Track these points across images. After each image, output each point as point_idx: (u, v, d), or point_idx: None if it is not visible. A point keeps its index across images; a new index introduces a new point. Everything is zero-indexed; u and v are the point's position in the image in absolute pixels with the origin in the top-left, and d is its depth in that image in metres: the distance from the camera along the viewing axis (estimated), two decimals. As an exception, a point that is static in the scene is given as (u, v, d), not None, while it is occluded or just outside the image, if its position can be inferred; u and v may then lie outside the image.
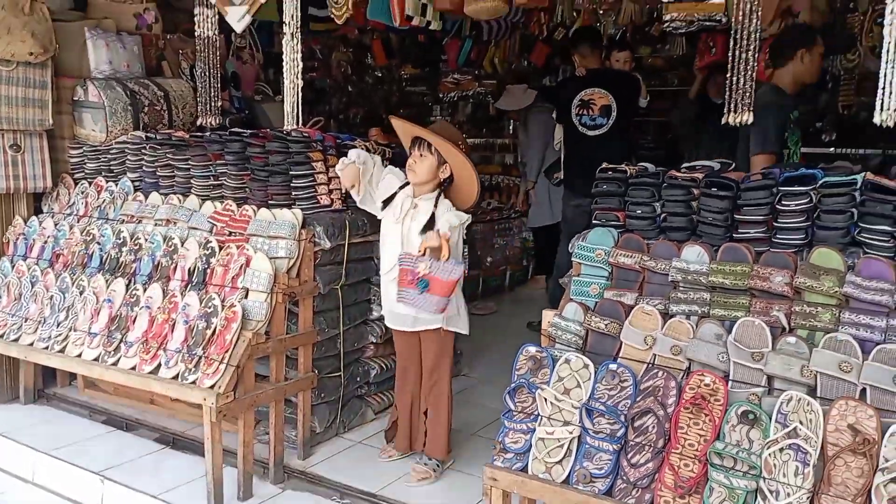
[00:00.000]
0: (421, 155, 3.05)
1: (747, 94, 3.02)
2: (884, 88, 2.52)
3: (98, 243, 3.68)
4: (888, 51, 2.51)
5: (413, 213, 3.07)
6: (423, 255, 2.82)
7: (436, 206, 3.03)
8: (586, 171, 4.87)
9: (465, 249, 5.86)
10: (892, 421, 1.93)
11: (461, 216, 3.04)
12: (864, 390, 2.02)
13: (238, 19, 3.76)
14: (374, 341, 3.77)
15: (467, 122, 8.87)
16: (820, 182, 2.36)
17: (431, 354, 3.18)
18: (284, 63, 3.69)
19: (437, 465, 3.19)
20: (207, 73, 3.98)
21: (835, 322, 2.15)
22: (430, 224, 2.96)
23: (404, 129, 3.20)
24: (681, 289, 2.41)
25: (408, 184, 3.14)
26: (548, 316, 2.59)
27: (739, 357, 2.18)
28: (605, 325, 2.44)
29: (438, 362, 3.19)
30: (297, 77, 3.70)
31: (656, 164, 2.85)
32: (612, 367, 2.32)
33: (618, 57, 5.04)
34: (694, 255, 2.44)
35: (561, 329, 2.51)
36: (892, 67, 2.51)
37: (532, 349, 2.47)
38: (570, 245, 2.77)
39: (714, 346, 2.25)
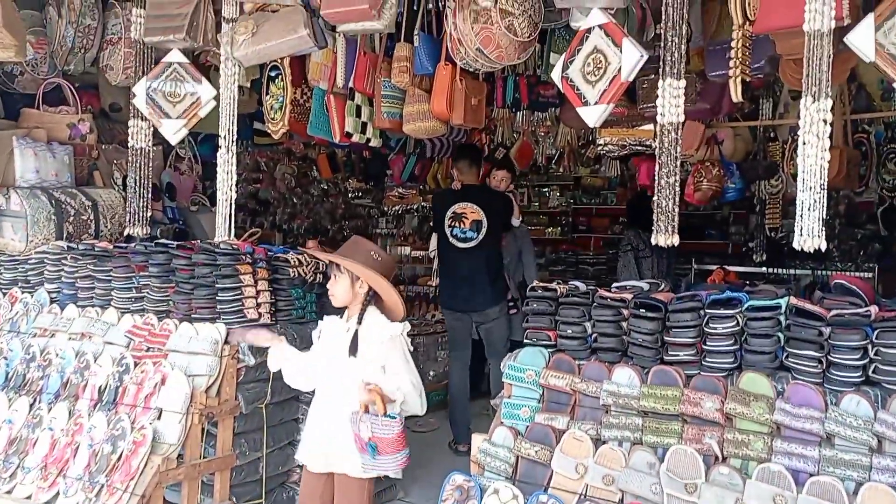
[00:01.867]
0: (335, 276, 2.99)
1: (674, 217, 3.08)
2: (801, 215, 2.59)
3: (5, 358, 3.45)
4: (803, 181, 2.60)
5: (343, 337, 2.94)
6: (366, 412, 2.63)
7: (359, 322, 2.91)
8: (455, 283, 5.02)
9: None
10: (830, 558, 1.85)
11: (395, 327, 2.90)
12: (799, 524, 1.95)
13: (174, 132, 3.74)
14: (301, 464, 3.54)
15: (413, 234, 8.95)
16: (745, 305, 2.37)
17: (346, 500, 2.81)
18: (218, 175, 3.66)
19: None
20: (138, 183, 3.91)
21: (767, 451, 2.09)
22: (353, 343, 2.84)
23: (318, 257, 3.18)
24: (612, 413, 2.34)
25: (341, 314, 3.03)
26: (477, 441, 2.48)
27: (672, 489, 2.09)
28: (536, 451, 2.34)
29: None
30: (230, 189, 3.67)
31: (599, 281, 2.85)
32: (543, 497, 2.20)
33: (495, 174, 5.22)
34: (625, 378, 2.39)
35: (490, 455, 2.40)
36: (809, 196, 2.60)
37: (459, 478, 2.34)
38: (500, 364, 2.70)
39: (647, 476, 2.16)
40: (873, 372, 2.14)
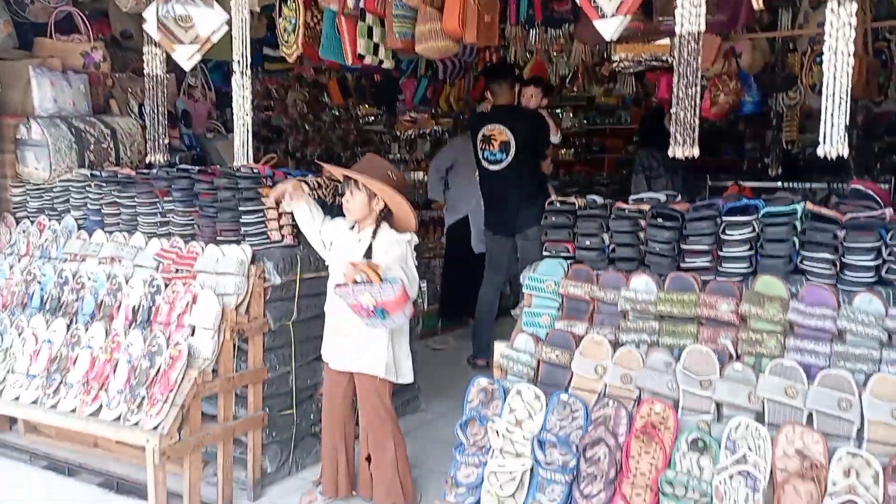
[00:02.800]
0: (351, 192, 3.07)
1: (691, 129, 3.09)
2: (825, 122, 2.60)
3: (39, 283, 3.56)
4: (828, 87, 2.59)
5: (356, 248, 3.07)
6: (357, 284, 2.79)
7: (373, 236, 3.03)
8: (491, 205, 5.04)
9: (424, 284, 5.81)
10: (839, 445, 1.95)
11: (401, 239, 3.02)
12: (810, 415, 2.04)
13: (187, 58, 3.74)
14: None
15: (426, 159, 8.94)
16: (762, 212, 2.41)
17: (368, 405, 3.06)
18: (234, 101, 3.67)
19: None
20: (155, 111, 3.94)
21: (780, 348, 2.17)
22: (368, 251, 2.96)
23: (334, 172, 3.24)
24: (630, 318, 2.42)
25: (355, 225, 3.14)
26: (499, 348, 2.58)
27: (688, 385, 2.19)
28: (556, 355, 2.43)
29: (377, 412, 3.04)
30: (246, 114, 3.69)
31: (612, 199, 2.90)
32: (564, 397, 2.30)
33: (524, 92, 5.13)
34: (642, 285, 2.46)
35: (512, 360, 2.50)
36: (832, 103, 2.60)
37: (483, 381, 2.44)
38: (521, 276, 2.77)
39: (663, 374, 2.25)
40: (886, 272, 2.20)
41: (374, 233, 3.04)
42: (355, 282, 2.79)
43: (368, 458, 3.14)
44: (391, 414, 3.10)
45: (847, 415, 1.97)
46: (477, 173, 5.22)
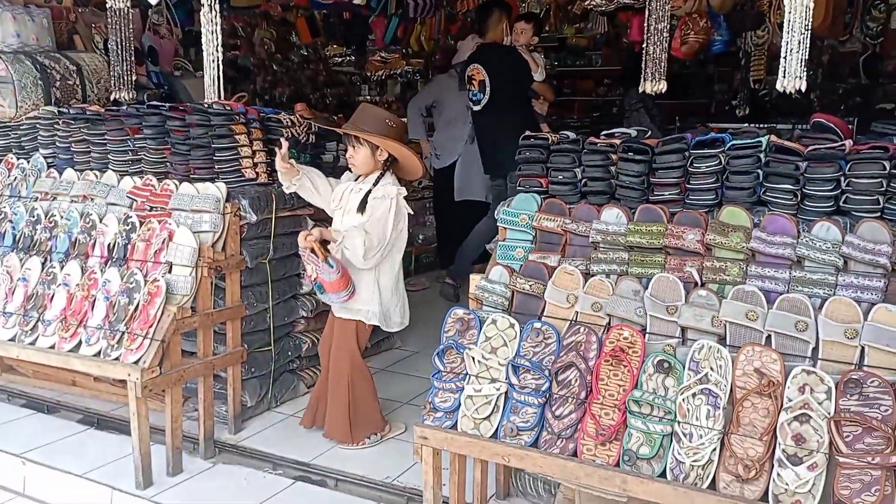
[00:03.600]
0: (354, 147, 3.12)
1: (661, 64, 3.14)
2: (785, 57, 2.67)
3: (10, 221, 3.53)
4: (790, 21, 2.65)
5: (353, 198, 3.13)
6: (310, 253, 3.00)
7: (375, 184, 3.08)
8: (482, 147, 4.97)
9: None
10: (795, 364, 2.07)
11: (389, 190, 3.08)
12: (769, 337, 2.15)
13: (152, -10, 3.66)
14: (305, 315, 3.75)
15: (396, 101, 8.85)
16: (728, 145, 2.48)
17: (336, 341, 3.21)
18: (203, 36, 3.61)
19: (371, 437, 3.24)
20: (120, 47, 3.85)
21: (742, 275, 2.27)
22: (363, 202, 3.05)
23: (337, 131, 3.33)
24: (601, 249, 2.50)
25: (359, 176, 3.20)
26: (475, 280, 2.65)
27: (655, 311, 2.29)
28: (530, 285, 2.51)
29: (340, 350, 3.18)
30: (216, 50, 3.63)
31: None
32: (537, 325, 2.39)
33: (515, 27, 5.00)
34: (613, 217, 2.53)
35: (487, 291, 2.57)
36: (793, 38, 2.65)
37: (460, 311, 2.52)
38: (495, 212, 2.83)
39: (632, 301, 2.34)
40: (844, 202, 2.29)
41: (377, 181, 3.09)
42: (312, 251, 2.98)
43: (323, 385, 3.27)
44: (354, 358, 3.19)
45: (803, 335, 2.09)
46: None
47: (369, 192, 3.09)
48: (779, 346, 2.12)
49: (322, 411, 3.28)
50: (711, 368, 2.10)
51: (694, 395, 2.09)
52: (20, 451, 3.17)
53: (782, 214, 2.31)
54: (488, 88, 4.78)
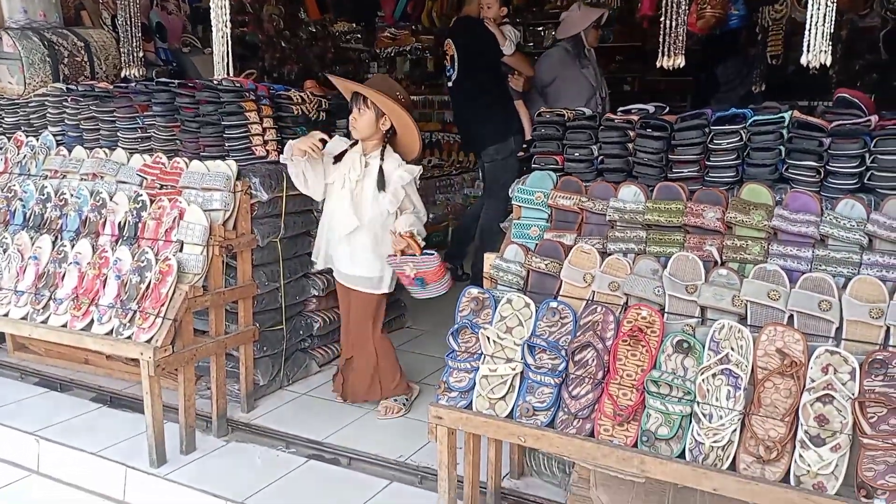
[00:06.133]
0: (359, 110, 3.11)
1: (679, 39, 3.08)
2: (809, 30, 2.60)
3: (20, 200, 3.51)
4: (813, -6, 2.57)
5: (365, 173, 3.13)
6: (403, 254, 3.04)
7: (382, 159, 3.07)
8: (457, 123, 4.89)
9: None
10: (818, 344, 2.03)
11: (412, 170, 3.12)
12: (791, 316, 2.11)
13: (160, -36, 3.60)
14: (317, 294, 3.73)
15: (406, 79, 8.76)
16: (750, 121, 2.42)
17: (355, 313, 3.28)
18: (212, 11, 3.56)
19: (405, 401, 3.34)
20: (129, 23, 3.82)
21: (764, 254, 2.22)
22: (381, 178, 3.07)
23: (342, 85, 3.26)
24: (618, 228, 2.46)
25: (356, 143, 3.16)
26: (489, 259, 2.61)
27: (674, 290, 2.25)
28: (546, 264, 2.47)
29: (363, 318, 3.26)
30: (225, 26, 3.59)
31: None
32: (553, 304, 2.35)
33: (482, 1, 4.75)
34: (630, 195, 2.48)
35: (502, 270, 2.54)
36: (818, 12, 2.59)
37: (474, 291, 2.48)
38: (510, 190, 2.78)
39: (650, 280, 2.30)
40: (869, 179, 2.23)
41: (382, 155, 3.06)
42: (403, 252, 3.03)
43: (349, 361, 3.29)
44: (375, 324, 3.26)
45: (827, 315, 2.04)
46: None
47: (381, 168, 3.07)
48: (801, 326, 2.08)
49: (349, 384, 3.35)
50: (732, 348, 2.07)
51: (714, 375, 2.05)
52: (34, 429, 3.18)
53: (805, 192, 2.25)
54: (457, 64, 4.72)
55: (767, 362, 2.03)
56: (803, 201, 2.23)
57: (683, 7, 3.01)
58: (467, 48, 4.72)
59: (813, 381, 1.97)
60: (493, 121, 4.73)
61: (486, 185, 5.02)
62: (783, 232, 2.22)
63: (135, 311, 2.92)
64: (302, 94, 3.68)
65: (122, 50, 3.89)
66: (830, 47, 2.60)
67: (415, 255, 3.02)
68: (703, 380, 2.06)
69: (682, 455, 2.04)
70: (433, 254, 3.05)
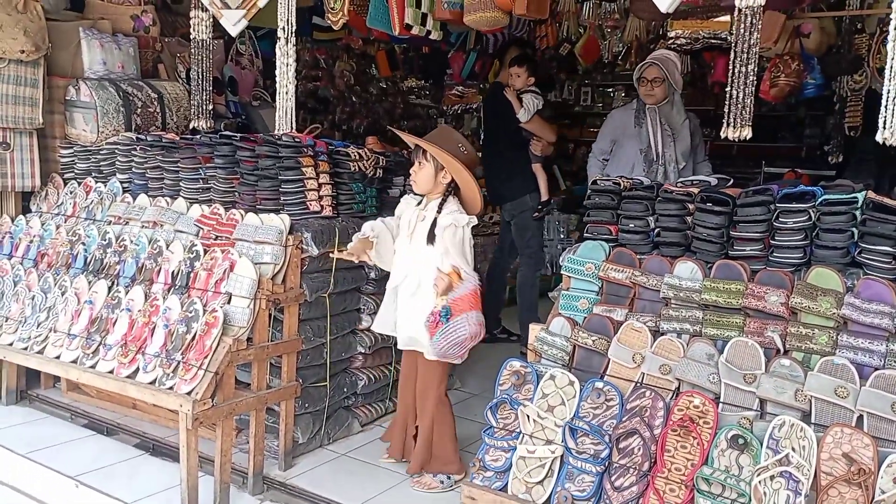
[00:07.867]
0: (419, 163, 3.07)
1: (746, 109, 2.95)
2: (886, 106, 2.45)
3: (83, 244, 3.61)
4: (891, 67, 2.44)
5: (420, 224, 3.07)
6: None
7: (439, 210, 3.00)
8: (485, 177, 5.09)
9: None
10: (890, 451, 1.84)
11: (459, 218, 2.99)
12: (860, 417, 1.93)
13: (234, 23, 3.71)
14: (363, 352, 3.68)
15: (472, 136, 8.82)
16: (819, 200, 2.28)
17: (421, 380, 3.17)
18: (278, 68, 3.63)
19: (444, 480, 3.15)
20: (201, 76, 3.94)
21: (832, 345, 2.06)
22: (432, 228, 2.98)
23: (406, 138, 3.26)
24: (672, 306, 2.33)
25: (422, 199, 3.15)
26: (534, 330, 2.51)
27: (731, 378, 2.09)
28: (593, 341, 2.36)
29: (426, 387, 3.14)
30: (290, 82, 3.65)
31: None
32: (599, 384, 2.23)
33: (510, 72, 4.84)
34: (687, 272, 2.36)
35: (547, 344, 2.43)
36: (894, 86, 2.44)
37: (516, 364, 2.38)
38: (560, 258, 2.69)
39: (705, 366, 2.16)
40: (952, 269, 2.06)
41: (440, 207, 3.01)
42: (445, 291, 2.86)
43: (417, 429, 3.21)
44: (435, 391, 3.15)
45: (901, 419, 1.86)
46: None
47: (435, 220, 3.00)
48: (872, 428, 1.89)
49: (407, 446, 3.28)
50: (793, 449, 1.90)
51: (772, 477, 1.88)
52: (75, 472, 3.19)
53: (880, 279, 2.09)
54: (483, 125, 5.28)
55: (832, 467, 1.85)
56: (877, 290, 2.07)
57: (752, 78, 2.89)
58: (490, 113, 5.13)
59: (883, 492, 1.78)
60: (511, 180, 4.99)
61: (516, 244, 5.20)
62: (854, 322, 2.06)
63: (179, 362, 2.92)
64: (360, 150, 3.70)
65: (192, 102, 4.01)
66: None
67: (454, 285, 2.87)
68: (759, 481, 1.89)
69: (733, 564, 1.86)
70: (471, 280, 2.89)
